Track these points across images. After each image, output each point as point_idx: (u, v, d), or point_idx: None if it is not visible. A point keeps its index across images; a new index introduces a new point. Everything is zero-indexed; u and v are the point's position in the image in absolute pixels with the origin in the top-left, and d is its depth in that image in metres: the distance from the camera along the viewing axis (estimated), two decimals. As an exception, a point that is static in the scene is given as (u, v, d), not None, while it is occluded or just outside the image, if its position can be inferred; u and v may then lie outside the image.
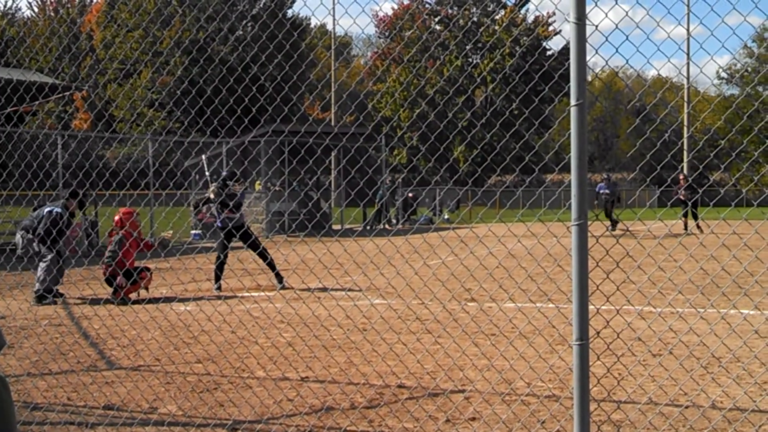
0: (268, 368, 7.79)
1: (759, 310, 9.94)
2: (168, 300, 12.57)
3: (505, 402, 6.52)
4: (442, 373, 7.42)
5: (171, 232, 13.96)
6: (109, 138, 31.84)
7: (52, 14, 78.32)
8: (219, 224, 14.31)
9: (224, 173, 14.74)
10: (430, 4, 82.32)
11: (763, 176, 54.58)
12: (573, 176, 4.66)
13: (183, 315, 10.97)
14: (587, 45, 4.70)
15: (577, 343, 4.88)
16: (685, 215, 28.83)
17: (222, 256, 13.94)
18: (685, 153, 45.89)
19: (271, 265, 13.97)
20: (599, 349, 6.99)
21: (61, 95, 32.51)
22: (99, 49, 64.34)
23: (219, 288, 13.82)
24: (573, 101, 4.72)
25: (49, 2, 79.22)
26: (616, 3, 5.75)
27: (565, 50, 57.34)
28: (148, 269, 13.18)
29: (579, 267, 4.75)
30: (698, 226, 27.79)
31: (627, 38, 6.31)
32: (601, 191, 29.77)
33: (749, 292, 10.67)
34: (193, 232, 28.64)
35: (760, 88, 71.75)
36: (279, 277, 14.02)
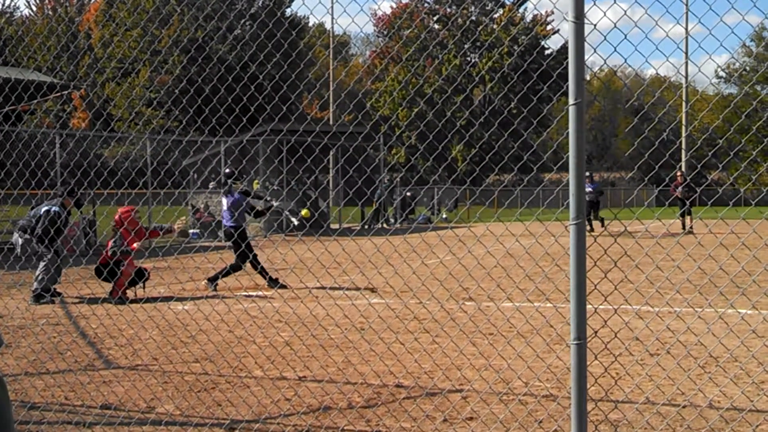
0: (265, 368, 7.79)
1: (757, 309, 9.95)
2: (166, 299, 12.56)
3: (503, 401, 6.52)
4: (439, 372, 7.42)
5: (183, 220, 13.99)
6: (107, 137, 31.84)
7: (50, 13, 78.26)
8: (234, 225, 14.19)
9: (244, 180, 14.75)
10: (428, 3, 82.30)
11: (761, 175, 54.61)
12: (571, 175, 4.66)
13: (181, 314, 10.98)
14: (585, 44, 4.70)
15: (575, 342, 4.88)
16: (683, 214, 28.87)
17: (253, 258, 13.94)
18: (683, 152, 45.93)
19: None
20: (597, 349, 7.00)
21: (59, 94, 32.49)
22: (97, 48, 64.28)
23: (215, 287, 13.82)
24: (571, 100, 4.72)
25: (47, 1, 79.17)
26: (615, 2, 5.74)
27: (564, 49, 57.34)
28: (145, 269, 13.18)
29: (577, 266, 4.75)
30: (690, 227, 27.85)
31: (625, 37, 6.30)
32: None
33: (747, 292, 10.68)
34: (191, 231, 28.62)
35: (759, 87, 71.83)
36: (273, 282, 14.00)
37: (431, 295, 11.05)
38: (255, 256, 14.02)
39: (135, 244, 12.85)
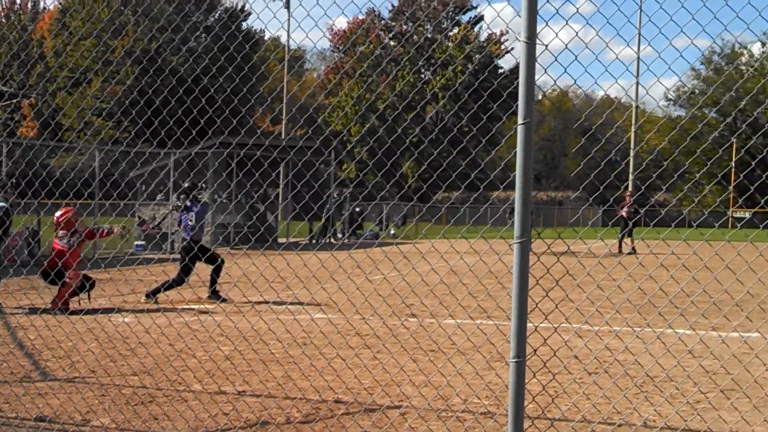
0: (204, 382, 7.73)
1: (694, 330, 10.06)
2: (106, 311, 12.44)
3: (441, 418, 6.53)
4: (379, 388, 7.42)
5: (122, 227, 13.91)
6: (55, 146, 31.49)
7: (3, 20, 77.45)
8: (194, 238, 14.18)
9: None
10: (384, 20, 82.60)
11: (705, 197, 55.35)
12: (517, 194, 4.71)
13: (121, 327, 10.86)
14: (538, 64, 4.77)
15: (514, 360, 4.91)
16: (623, 235, 29.08)
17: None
18: (630, 173, 46.51)
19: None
20: (536, 367, 7.03)
21: (8, 102, 32.15)
22: (49, 57, 63.67)
23: (156, 300, 13.69)
24: (520, 119, 4.76)
25: (0, 8, 78.32)
26: (567, 23, 5.79)
27: (517, 69, 57.47)
28: (90, 277, 13.05)
29: (519, 284, 4.78)
30: (633, 248, 28.13)
31: (576, 58, 6.36)
32: None
33: (685, 312, 10.80)
34: (136, 243, 28.34)
35: (707, 110, 73.02)
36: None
37: (374, 311, 11.06)
38: (212, 257, 14.04)
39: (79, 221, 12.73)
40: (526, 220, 4.87)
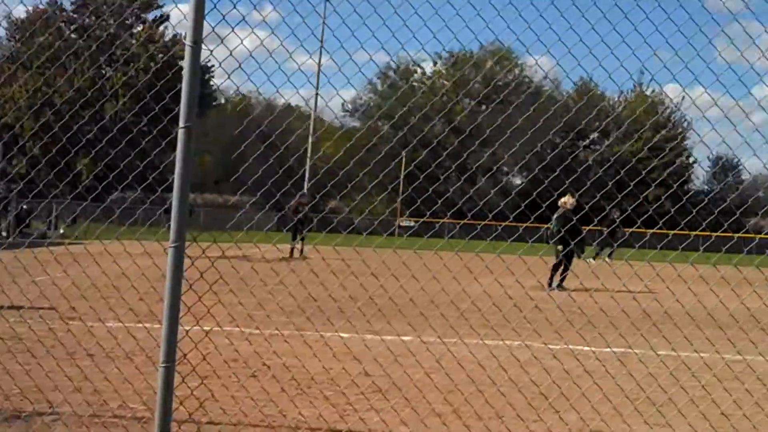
0: None
1: (338, 333, 10.46)
2: None
3: (86, 424, 6.42)
4: (25, 394, 7.16)
5: None
6: None
7: None
8: None
9: None
10: (66, 12, 79.58)
11: (375, 207, 57.67)
12: (174, 198, 4.74)
13: None
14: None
15: (163, 365, 4.94)
16: (295, 239, 29.56)
17: None
18: (306, 182, 47.71)
19: None
20: (186, 372, 7.07)
21: None
22: None
23: None
24: (182, 123, 4.79)
25: None
26: (233, 30, 5.89)
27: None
28: None
29: (172, 289, 4.82)
30: (301, 251, 28.78)
31: (240, 66, 6.48)
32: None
33: (332, 317, 11.14)
34: None
35: (380, 123, 76.12)
36: None
37: (20, 315, 10.68)
38: None
39: None
40: (181, 224, 4.92)
